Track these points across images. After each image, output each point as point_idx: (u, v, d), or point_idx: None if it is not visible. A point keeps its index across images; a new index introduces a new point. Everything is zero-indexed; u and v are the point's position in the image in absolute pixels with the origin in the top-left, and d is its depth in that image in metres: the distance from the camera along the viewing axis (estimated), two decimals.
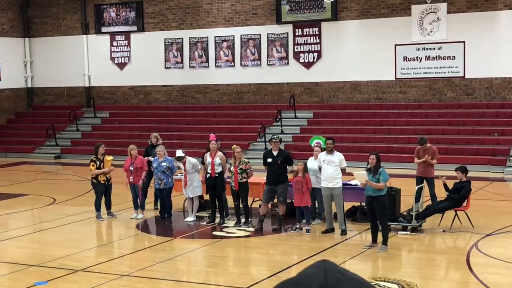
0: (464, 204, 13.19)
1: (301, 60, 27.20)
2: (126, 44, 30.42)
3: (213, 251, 12.33)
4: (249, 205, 14.11)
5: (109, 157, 14.66)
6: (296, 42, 27.21)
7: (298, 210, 13.16)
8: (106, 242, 13.70)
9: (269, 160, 13.38)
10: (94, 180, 14.77)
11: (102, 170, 14.54)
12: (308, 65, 27.12)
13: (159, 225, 14.51)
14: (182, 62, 29.41)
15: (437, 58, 25.07)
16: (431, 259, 11.46)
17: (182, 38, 29.25)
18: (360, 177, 11.72)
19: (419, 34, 25.17)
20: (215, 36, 28.62)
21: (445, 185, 13.27)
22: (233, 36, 28.31)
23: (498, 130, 23.19)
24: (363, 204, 13.20)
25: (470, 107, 24.49)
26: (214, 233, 13.60)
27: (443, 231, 12.91)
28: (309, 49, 27.03)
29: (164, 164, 14.49)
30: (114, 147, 23.15)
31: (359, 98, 26.44)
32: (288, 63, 27.43)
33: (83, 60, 31.17)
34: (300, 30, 27.09)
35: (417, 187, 13.84)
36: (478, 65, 24.36)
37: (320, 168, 13.00)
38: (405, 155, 21.31)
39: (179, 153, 14.37)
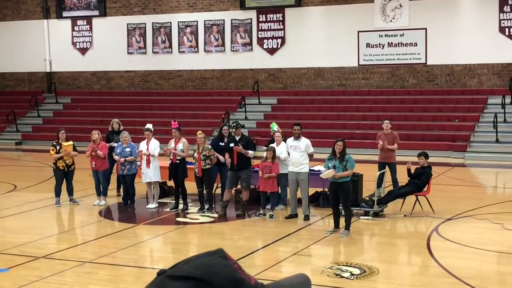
0: (425, 189, 13.38)
1: (265, 46, 27.19)
2: (88, 29, 30.04)
3: (176, 237, 12.31)
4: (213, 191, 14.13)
5: (68, 143, 14.49)
6: (260, 28, 27.18)
7: (263, 195, 13.20)
8: (68, 229, 13.58)
9: (232, 145, 13.37)
10: (53, 166, 14.64)
11: (58, 155, 14.38)
12: (272, 51, 27.12)
13: (121, 211, 14.43)
14: (145, 47, 29.16)
15: (399, 45, 25.30)
16: (393, 244, 11.61)
17: (145, 23, 29.00)
18: (327, 175, 11.77)
19: (381, 20, 25.35)
20: (178, 21, 28.43)
21: (408, 170, 13.42)
22: (197, 21, 28.16)
23: (458, 116, 23.53)
24: (326, 189, 13.29)
25: (432, 93, 24.79)
26: (178, 219, 13.58)
27: (404, 216, 13.08)
28: (273, 35, 27.03)
29: (127, 150, 14.40)
30: (75, 133, 22.89)
31: (323, 84, 26.56)
32: (252, 49, 27.40)
33: (44, 45, 30.70)
34: (264, 16, 27.05)
35: (379, 173, 13.99)
36: (439, 52, 24.64)
37: (289, 154, 13.05)
38: (367, 141, 21.49)
39: (149, 125, 14.55)
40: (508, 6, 23.84)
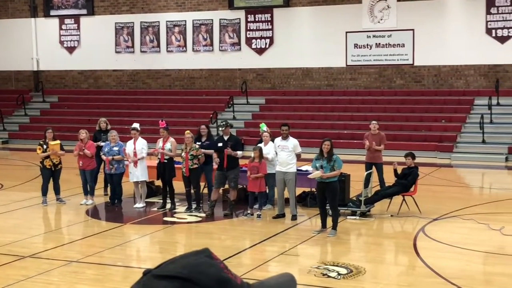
0: (412, 189, 13.44)
1: (254, 46, 27.20)
2: (76, 27, 29.93)
3: (163, 236, 12.30)
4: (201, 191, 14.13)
5: (55, 142, 14.44)
6: (248, 28, 27.19)
7: (251, 195, 13.22)
8: (55, 228, 13.53)
9: (220, 145, 13.39)
10: (40, 165, 14.59)
11: (45, 154, 14.34)
12: (260, 51, 27.14)
13: (109, 211, 14.40)
14: (133, 46, 29.10)
15: (387, 46, 25.39)
16: (379, 244, 11.66)
17: (133, 22, 28.93)
18: (315, 175, 11.81)
19: (369, 21, 25.44)
20: (166, 21, 28.40)
21: (395, 171, 13.48)
22: (185, 21, 28.13)
23: (445, 117, 23.65)
24: (313, 189, 13.33)
25: (419, 94, 24.90)
26: (165, 219, 13.57)
27: (391, 216, 13.14)
28: (261, 35, 27.05)
29: (115, 149, 14.37)
30: (63, 132, 22.81)
31: (311, 84, 26.61)
32: (240, 49, 27.40)
33: (31, 44, 30.56)
34: (252, 16, 27.07)
35: (366, 173, 14.04)
36: (426, 53, 24.76)
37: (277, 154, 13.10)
38: (355, 141, 21.55)
39: (135, 124, 14.51)
40: (495, 8, 23.99)
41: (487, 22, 24.13)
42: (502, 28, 23.94)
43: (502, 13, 23.92)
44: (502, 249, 10.65)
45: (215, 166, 13.53)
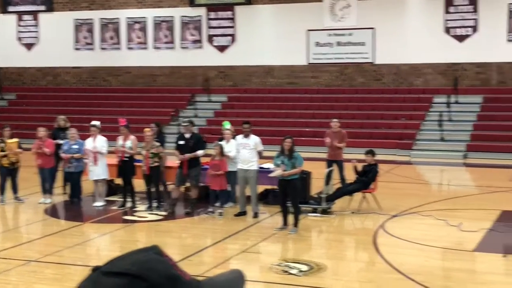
0: (372, 186, 13.56)
1: (215, 44, 27.14)
2: (34, 24, 29.47)
3: (124, 235, 12.20)
4: (164, 188, 14.03)
5: (12, 140, 14.21)
6: (210, 25, 27.11)
7: (212, 193, 13.18)
8: (13, 227, 13.31)
9: (181, 142, 13.32)
10: None
11: (2, 153, 14.10)
12: (222, 48, 27.09)
13: (68, 209, 14.22)
14: (93, 43, 28.78)
15: (348, 44, 25.56)
16: (340, 240, 11.74)
17: (93, 19, 28.61)
18: (276, 174, 11.85)
19: (330, 20, 25.58)
20: (126, 17, 28.15)
21: (354, 168, 13.58)
22: (146, 17, 27.92)
23: (405, 115, 23.91)
24: (275, 187, 13.35)
25: (379, 92, 25.13)
26: (125, 217, 13.45)
27: (352, 212, 13.24)
28: (223, 33, 27.00)
29: (75, 147, 14.20)
30: (21, 130, 22.44)
31: (273, 82, 26.66)
32: (202, 46, 27.31)
33: None
34: (214, 13, 26.99)
35: (327, 170, 14.12)
36: (387, 52, 25.00)
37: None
38: (316, 139, 21.64)
39: (95, 122, 14.36)
40: (453, 7, 24.34)
41: (445, 21, 24.46)
42: (461, 27, 24.30)
43: (460, 12, 24.28)
44: (460, 245, 10.81)
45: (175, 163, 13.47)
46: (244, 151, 12.87)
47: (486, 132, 22.49)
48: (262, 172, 13.23)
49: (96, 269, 1.35)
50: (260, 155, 13.20)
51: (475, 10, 24.15)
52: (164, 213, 13.40)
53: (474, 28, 24.22)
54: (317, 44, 25.83)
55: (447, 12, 24.39)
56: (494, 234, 11.47)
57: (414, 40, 24.72)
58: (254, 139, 13.03)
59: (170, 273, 1.33)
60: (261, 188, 13.98)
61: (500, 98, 23.59)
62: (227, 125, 14.01)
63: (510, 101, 23.36)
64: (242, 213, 13.01)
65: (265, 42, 26.29)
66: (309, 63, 26.08)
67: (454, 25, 24.37)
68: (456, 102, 23.72)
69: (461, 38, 24.36)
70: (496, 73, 24.28)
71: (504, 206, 13.58)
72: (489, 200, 14.53)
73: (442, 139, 22.45)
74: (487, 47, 23.92)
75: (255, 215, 12.86)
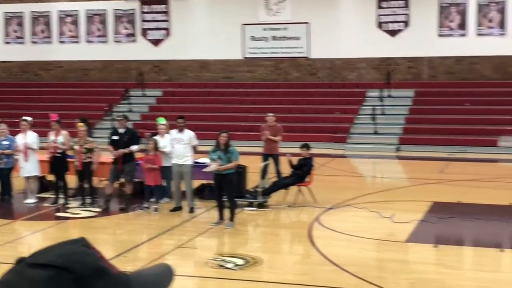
0: (307, 179, 13.67)
1: (149, 37, 26.87)
2: None
3: (56, 232, 11.93)
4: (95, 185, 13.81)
5: None
6: (144, 19, 26.81)
7: (146, 188, 13.04)
8: None
9: (115, 138, 13.13)
10: None
11: None
12: (156, 42, 26.84)
13: None
14: (23, 37, 28.07)
15: (283, 39, 25.70)
16: (276, 234, 11.79)
17: (23, 12, 27.89)
18: (211, 168, 11.82)
19: (265, 14, 25.65)
20: (58, 11, 27.55)
21: (290, 162, 13.66)
22: (78, 11, 27.39)
23: (339, 109, 24.20)
24: (211, 182, 13.30)
25: (314, 86, 25.36)
26: (58, 214, 13.16)
27: (288, 206, 13.31)
28: (157, 26, 26.74)
29: (5, 143, 13.81)
30: None
31: (208, 76, 26.58)
32: (136, 40, 26.99)
33: None
34: (147, 6, 26.70)
35: (263, 164, 14.16)
36: (321, 46, 25.24)
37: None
38: (252, 133, 21.68)
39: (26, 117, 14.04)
40: (385, 2, 24.75)
41: (378, 16, 24.86)
42: (393, 22, 24.74)
43: (392, 7, 24.72)
44: (393, 236, 11.01)
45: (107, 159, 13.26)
46: (178, 146, 12.79)
47: (417, 125, 22.99)
48: (198, 167, 13.17)
49: (20, 260, 1.31)
50: (195, 150, 13.13)
51: (406, 6, 24.63)
52: (98, 209, 13.19)
53: (406, 23, 24.70)
54: (253, 38, 25.87)
55: (380, 7, 24.80)
56: (426, 225, 11.73)
57: (348, 35, 25.04)
58: (189, 134, 12.96)
59: (97, 266, 1.31)
60: (197, 183, 13.92)
61: (431, 92, 24.15)
62: (162, 121, 13.89)
63: (441, 95, 23.94)
64: (178, 208, 12.92)
65: (200, 36, 26.17)
66: (245, 58, 26.10)
67: (386, 20, 24.80)
68: (389, 96, 24.15)
69: (393, 33, 24.80)
70: (427, 68, 24.83)
71: (435, 198, 13.90)
72: (421, 192, 14.85)
73: (375, 133, 22.83)
74: (418, 42, 24.43)
75: (191, 210, 12.80)
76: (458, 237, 11.50)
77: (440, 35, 24.51)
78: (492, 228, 11.72)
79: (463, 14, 24.30)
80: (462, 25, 24.34)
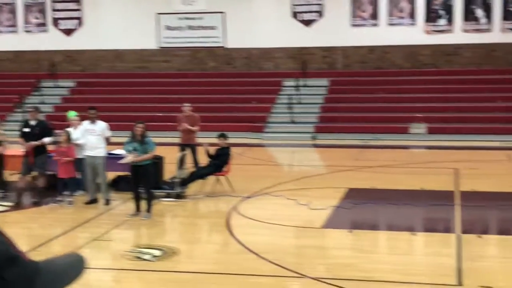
0: (225, 169, 13.68)
1: (61, 27, 26.18)
2: None
3: None
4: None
5: None
6: (54, 8, 26.09)
7: (60, 181, 12.72)
8: None
9: (26, 130, 12.75)
10: None
11: None
12: (68, 32, 26.19)
13: None
14: None
15: (199, 28, 25.57)
16: (194, 224, 11.75)
17: None
18: (127, 160, 11.66)
19: (180, 3, 25.44)
20: None
21: (207, 152, 13.63)
22: None
23: (256, 98, 24.32)
24: (127, 173, 13.11)
25: (231, 76, 25.38)
26: None
27: (206, 196, 13.29)
28: (69, 16, 26.09)
29: None
30: None
31: (123, 67, 26.16)
32: (47, 30, 26.25)
33: None
34: None
35: (180, 154, 14.08)
36: (237, 36, 25.27)
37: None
38: (168, 123, 21.50)
39: None
40: None
41: (293, 5, 25.08)
42: (307, 12, 25.02)
43: None
44: (310, 223, 11.16)
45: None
46: (91, 137, 12.56)
47: (332, 114, 23.38)
48: (114, 159, 12.96)
49: None
50: (108, 141, 12.90)
51: None
52: (10, 203, 12.78)
53: (320, 13, 25.03)
54: (168, 27, 25.63)
55: None
56: (341, 211, 11.96)
57: (263, 24, 25.16)
58: (101, 125, 12.74)
59: (8, 253, 1.31)
60: (113, 175, 13.70)
61: (345, 81, 24.60)
62: (72, 115, 13.60)
63: (355, 83, 24.43)
64: (93, 201, 12.68)
65: (114, 26, 25.71)
66: (160, 47, 25.84)
67: (301, 10, 25.05)
68: (305, 86, 24.44)
69: (307, 23, 25.10)
70: (341, 57, 25.27)
71: (350, 184, 14.19)
72: (336, 179, 15.13)
73: (292, 122, 23.07)
74: (332, 31, 24.82)
75: (107, 202, 12.59)
76: (372, 222, 11.78)
77: (353, 25, 24.97)
78: (404, 213, 12.07)
79: (374, 4, 24.84)
80: (374, 15, 24.88)
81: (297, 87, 24.16)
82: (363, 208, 12.20)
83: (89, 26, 25.97)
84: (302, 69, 24.72)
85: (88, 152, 12.55)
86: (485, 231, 11.07)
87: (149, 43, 25.78)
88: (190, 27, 25.63)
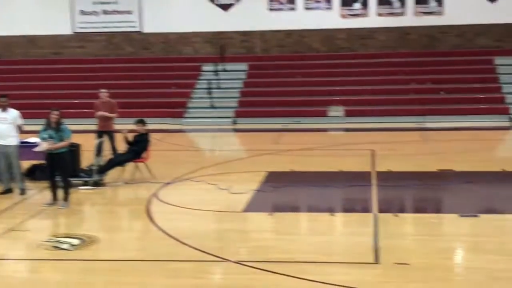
0: (144, 155, 13.52)
1: None
2: None
3: None
4: None
5: None
6: None
7: None
8: None
9: None
10: None
11: None
12: None
13: None
14: None
15: (114, 13, 25.10)
16: (114, 212, 11.58)
17: None
18: (42, 148, 11.35)
19: None
20: None
21: (125, 138, 13.43)
22: None
23: (175, 84, 24.13)
24: (42, 162, 12.77)
25: (148, 61, 25.07)
26: None
27: (125, 183, 13.11)
28: None
29: None
30: None
31: (36, 53, 25.42)
32: None
33: None
34: None
35: (97, 141, 13.82)
36: (154, 21, 24.96)
37: None
38: (85, 110, 21.05)
39: None
40: None
41: None
42: None
43: None
44: (230, 207, 11.18)
45: None
46: (2, 126, 12.17)
47: (252, 98, 23.47)
48: (28, 147, 12.59)
49: None
50: (20, 130, 12.52)
51: None
52: None
53: None
54: (82, 12, 25.06)
55: None
56: (261, 195, 12.03)
57: (181, 9, 24.95)
58: (13, 113, 12.36)
59: None
60: (27, 164, 13.32)
61: (264, 65, 24.71)
62: None
63: (273, 67, 24.58)
64: (8, 191, 12.31)
65: (26, 10, 24.92)
66: (75, 32, 25.24)
67: None
68: (224, 70, 24.41)
69: (225, 7, 25.03)
70: (260, 41, 25.34)
71: (269, 168, 14.29)
72: (257, 163, 15.21)
73: (212, 107, 23.02)
74: (250, 16, 24.85)
75: (22, 192, 12.25)
76: (292, 204, 11.91)
77: (271, 9, 25.07)
78: (323, 194, 12.25)
79: None
80: (291, 0, 25.04)
81: (216, 71, 24.10)
82: (283, 191, 12.31)
83: (0, 10, 25.08)
84: (220, 54, 24.66)
85: (0, 141, 12.16)
86: (401, 210, 11.38)
87: (63, 28, 25.13)
88: (105, 12, 25.11)
